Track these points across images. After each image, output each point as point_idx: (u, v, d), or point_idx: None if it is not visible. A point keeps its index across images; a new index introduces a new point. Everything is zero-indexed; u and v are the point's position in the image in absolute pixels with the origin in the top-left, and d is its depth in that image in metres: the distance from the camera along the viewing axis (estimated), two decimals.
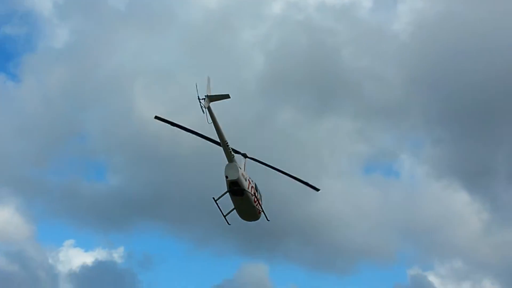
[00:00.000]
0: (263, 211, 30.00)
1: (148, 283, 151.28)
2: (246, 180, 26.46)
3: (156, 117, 26.78)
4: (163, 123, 27.62)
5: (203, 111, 22.06)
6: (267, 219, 28.90)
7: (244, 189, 26.32)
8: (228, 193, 26.87)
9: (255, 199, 28.28)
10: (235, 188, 26.45)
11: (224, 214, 29.28)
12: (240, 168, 26.47)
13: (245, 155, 29.61)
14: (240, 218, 29.44)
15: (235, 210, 29.64)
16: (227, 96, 22.92)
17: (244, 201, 27.75)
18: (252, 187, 28.25)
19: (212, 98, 22.25)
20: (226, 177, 26.44)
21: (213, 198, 27.28)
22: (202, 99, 21.92)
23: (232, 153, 26.57)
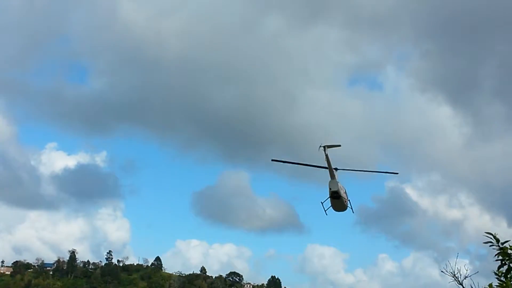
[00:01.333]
0: (350, 206, 42.58)
1: (131, 188, 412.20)
2: (341, 189, 36.75)
3: (273, 160, 38.48)
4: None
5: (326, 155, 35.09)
6: (353, 212, 42.04)
7: (340, 195, 36.90)
8: (330, 197, 39.04)
9: (345, 200, 39.62)
10: (335, 195, 38.24)
11: (325, 209, 42.09)
12: (339, 183, 38.71)
13: (336, 169, 41.30)
14: (333, 210, 41.77)
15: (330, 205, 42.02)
16: (338, 145, 36.25)
17: (339, 202, 38.80)
18: (344, 192, 39.85)
19: (328, 146, 35.02)
20: (330, 188, 39.39)
21: (321, 202, 41.53)
22: (321, 146, 34.96)
23: (334, 173, 38.76)
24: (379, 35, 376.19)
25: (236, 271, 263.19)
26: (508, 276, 7.05)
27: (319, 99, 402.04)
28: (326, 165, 34.73)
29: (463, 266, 7.76)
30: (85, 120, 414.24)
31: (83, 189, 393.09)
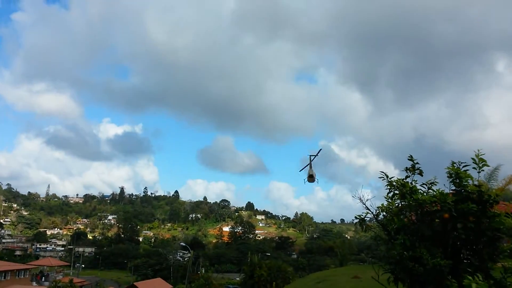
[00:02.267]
0: (317, 180, 42.97)
1: (158, 147, 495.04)
2: (314, 174, 38.52)
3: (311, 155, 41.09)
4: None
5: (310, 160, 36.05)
6: (318, 182, 42.39)
7: (314, 177, 38.06)
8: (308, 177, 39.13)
9: (315, 178, 40.39)
10: (311, 178, 39.06)
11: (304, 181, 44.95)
12: (313, 169, 40.40)
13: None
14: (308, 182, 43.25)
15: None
16: (320, 150, 36.76)
17: (312, 180, 39.16)
18: (315, 174, 41.56)
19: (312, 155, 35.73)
20: (310, 174, 38.94)
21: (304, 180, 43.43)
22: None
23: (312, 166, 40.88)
24: (316, 47, 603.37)
25: (226, 199, 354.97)
26: (393, 198, 8.54)
27: (277, 89, 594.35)
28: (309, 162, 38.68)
29: (366, 194, 9.27)
30: (128, 103, 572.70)
31: (128, 148, 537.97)
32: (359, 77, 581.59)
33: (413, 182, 8.27)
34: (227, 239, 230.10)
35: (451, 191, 7.93)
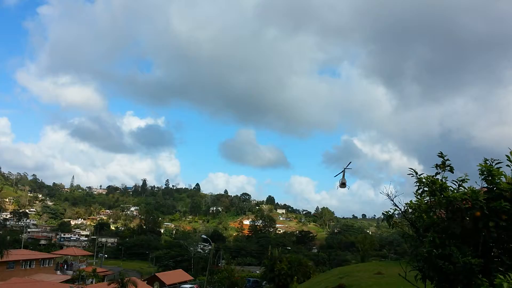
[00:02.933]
0: (348, 187, 46.23)
1: (180, 140, 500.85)
2: (345, 181, 42.86)
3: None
4: None
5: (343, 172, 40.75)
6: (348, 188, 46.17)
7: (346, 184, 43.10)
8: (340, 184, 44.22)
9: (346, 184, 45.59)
10: (343, 185, 44.60)
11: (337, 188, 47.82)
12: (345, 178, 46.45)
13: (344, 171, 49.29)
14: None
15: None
16: (350, 162, 41.94)
17: (343, 186, 42.69)
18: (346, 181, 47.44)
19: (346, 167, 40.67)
20: (342, 182, 45.41)
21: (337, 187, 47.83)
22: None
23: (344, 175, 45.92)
24: (340, 40, 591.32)
25: (247, 192, 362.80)
26: (422, 195, 8.43)
27: (300, 83, 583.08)
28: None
29: (393, 190, 9.17)
30: (151, 96, 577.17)
31: (150, 140, 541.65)
32: (383, 71, 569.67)
33: (443, 179, 8.14)
34: (248, 232, 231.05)
35: (482, 189, 7.80)
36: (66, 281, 74.22)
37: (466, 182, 8.08)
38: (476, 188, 7.73)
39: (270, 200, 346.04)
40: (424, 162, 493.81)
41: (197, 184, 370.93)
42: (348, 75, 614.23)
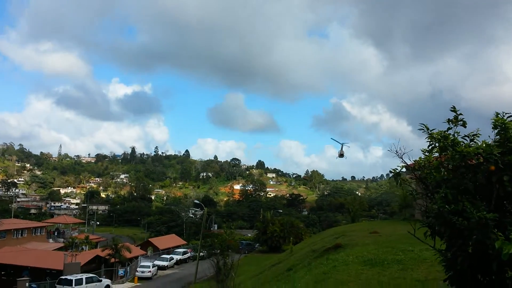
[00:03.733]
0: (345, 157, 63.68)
1: (168, 107, 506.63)
2: (344, 152, 56.58)
3: (332, 138, 56.49)
4: None
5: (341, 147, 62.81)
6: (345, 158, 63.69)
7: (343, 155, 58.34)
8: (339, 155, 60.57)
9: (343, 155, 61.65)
10: (341, 155, 60.18)
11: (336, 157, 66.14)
12: (343, 150, 62.36)
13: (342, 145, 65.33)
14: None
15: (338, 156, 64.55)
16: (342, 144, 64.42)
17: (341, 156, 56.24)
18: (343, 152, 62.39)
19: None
20: (340, 153, 61.57)
21: (337, 156, 68.09)
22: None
23: (343, 148, 63.68)
24: (330, 0, 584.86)
25: (236, 157, 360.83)
26: (431, 152, 8.27)
27: (289, 46, 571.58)
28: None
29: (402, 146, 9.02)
30: (137, 63, 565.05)
31: (138, 108, 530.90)
32: (374, 31, 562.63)
33: (455, 134, 7.94)
34: (238, 197, 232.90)
35: (494, 143, 7.61)
36: (59, 249, 74.50)
37: (478, 136, 7.90)
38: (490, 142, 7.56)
39: (260, 164, 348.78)
40: (413, 123, 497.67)
41: (187, 151, 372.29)
42: (338, 36, 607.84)
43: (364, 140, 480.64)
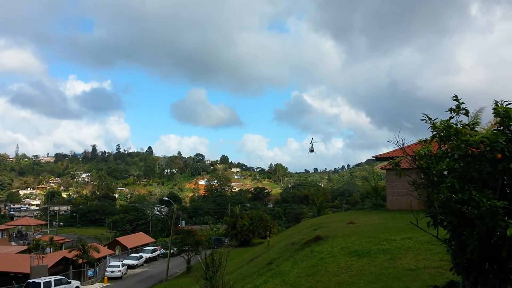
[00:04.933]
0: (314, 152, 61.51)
1: (128, 103, 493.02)
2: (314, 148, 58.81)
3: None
4: None
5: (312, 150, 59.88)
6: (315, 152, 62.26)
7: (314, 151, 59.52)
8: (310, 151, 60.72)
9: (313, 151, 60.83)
10: (312, 150, 60.56)
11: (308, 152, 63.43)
12: (313, 147, 60.57)
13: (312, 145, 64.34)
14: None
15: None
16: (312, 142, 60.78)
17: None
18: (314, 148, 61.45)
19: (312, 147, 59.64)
20: (311, 149, 60.16)
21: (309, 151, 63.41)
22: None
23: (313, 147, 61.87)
24: None
25: (200, 153, 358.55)
26: (431, 141, 8.33)
27: (249, 39, 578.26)
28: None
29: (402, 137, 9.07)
30: (95, 58, 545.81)
31: (97, 105, 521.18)
32: (332, 24, 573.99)
33: (458, 123, 7.97)
34: (203, 192, 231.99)
35: (494, 131, 7.67)
36: (23, 252, 72.30)
37: (478, 125, 7.96)
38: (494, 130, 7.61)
39: (224, 159, 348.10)
40: (371, 115, 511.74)
41: (149, 147, 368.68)
42: (297, 30, 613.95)
43: (325, 132, 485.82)
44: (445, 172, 7.95)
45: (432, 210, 8.11)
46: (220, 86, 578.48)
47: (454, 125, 7.91)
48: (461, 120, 7.95)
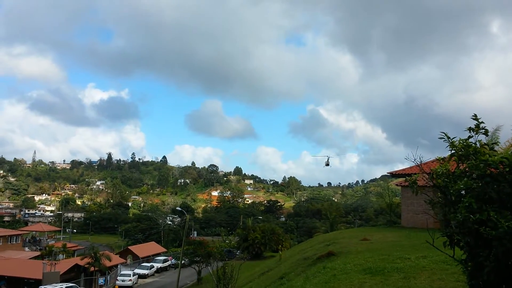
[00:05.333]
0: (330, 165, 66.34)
1: (145, 112, 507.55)
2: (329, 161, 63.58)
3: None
4: None
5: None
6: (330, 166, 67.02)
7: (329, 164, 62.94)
8: (326, 165, 68.91)
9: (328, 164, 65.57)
10: (327, 164, 66.88)
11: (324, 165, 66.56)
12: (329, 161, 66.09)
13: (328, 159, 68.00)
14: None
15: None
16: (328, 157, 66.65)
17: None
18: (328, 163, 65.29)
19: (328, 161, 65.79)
20: (327, 163, 65.63)
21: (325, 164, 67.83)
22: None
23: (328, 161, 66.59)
24: (307, 5, 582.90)
25: (214, 164, 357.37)
26: (450, 160, 8.23)
27: (266, 52, 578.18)
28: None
29: (420, 155, 9.00)
30: (113, 68, 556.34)
31: (114, 113, 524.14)
32: (350, 39, 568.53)
33: (477, 143, 7.88)
34: (216, 203, 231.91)
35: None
36: (36, 257, 72.87)
37: (498, 144, 7.86)
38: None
39: (238, 171, 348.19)
40: (387, 130, 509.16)
41: (164, 157, 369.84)
42: (315, 44, 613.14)
43: (340, 146, 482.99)
44: (463, 192, 7.84)
45: (449, 229, 8.00)
46: (235, 98, 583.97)
47: (473, 145, 7.83)
48: (480, 140, 7.86)
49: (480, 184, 7.57)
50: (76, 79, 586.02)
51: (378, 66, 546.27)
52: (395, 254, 18.08)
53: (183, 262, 59.49)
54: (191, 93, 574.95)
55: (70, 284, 47.59)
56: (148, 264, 72.74)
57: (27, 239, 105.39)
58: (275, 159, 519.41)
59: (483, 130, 7.89)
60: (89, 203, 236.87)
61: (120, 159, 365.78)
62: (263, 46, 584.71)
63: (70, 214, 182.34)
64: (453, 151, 8.08)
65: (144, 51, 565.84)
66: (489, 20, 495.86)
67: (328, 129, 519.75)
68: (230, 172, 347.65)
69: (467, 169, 7.83)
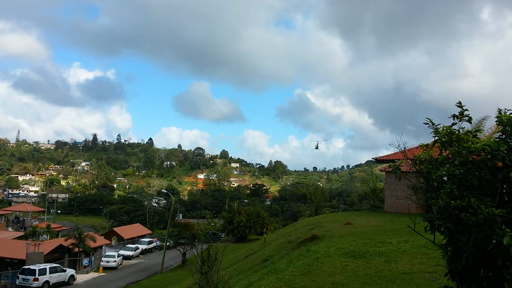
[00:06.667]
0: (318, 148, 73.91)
1: (131, 93, 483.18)
2: (319, 145, 66.51)
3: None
4: None
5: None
6: (318, 148, 68.56)
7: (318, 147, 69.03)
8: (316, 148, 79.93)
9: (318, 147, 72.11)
10: (317, 147, 78.02)
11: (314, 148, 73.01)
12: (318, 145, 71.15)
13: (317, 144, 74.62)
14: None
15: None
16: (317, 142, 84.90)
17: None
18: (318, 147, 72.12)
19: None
20: (316, 146, 78.51)
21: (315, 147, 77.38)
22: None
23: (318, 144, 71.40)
24: None
25: (200, 146, 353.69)
26: (434, 145, 8.33)
27: (255, 34, 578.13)
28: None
29: (403, 142, 9.08)
30: (99, 46, 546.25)
31: (100, 94, 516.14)
32: (342, 21, 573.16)
33: (460, 130, 7.97)
34: (202, 186, 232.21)
35: (496, 139, 7.68)
36: (20, 238, 72.47)
37: (481, 132, 7.95)
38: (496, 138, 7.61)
39: (224, 154, 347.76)
40: (374, 116, 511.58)
41: (150, 139, 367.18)
42: (305, 27, 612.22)
43: (327, 131, 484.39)
44: (445, 178, 7.96)
45: (430, 215, 8.12)
46: (224, 80, 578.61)
47: (457, 132, 7.92)
48: (464, 127, 7.96)
49: (462, 170, 7.68)
50: (61, 58, 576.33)
51: (367, 50, 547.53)
52: (377, 238, 18.34)
53: (168, 244, 59.70)
54: (179, 74, 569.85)
55: (54, 264, 47.52)
56: (133, 246, 72.87)
57: (11, 219, 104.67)
58: (262, 143, 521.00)
59: (467, 118, 7.98)
60: (73, 184, 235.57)
61: (105, 140, 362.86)
62: (252, 28, 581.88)
63: (54, 195, 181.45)
64: (436, 138, 8.20)
65: (132, 30, 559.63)
66: (480, 6, 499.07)
67: (316, 113, 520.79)
68: (217, 155, 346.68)
69: (449, 155, 7.95)
